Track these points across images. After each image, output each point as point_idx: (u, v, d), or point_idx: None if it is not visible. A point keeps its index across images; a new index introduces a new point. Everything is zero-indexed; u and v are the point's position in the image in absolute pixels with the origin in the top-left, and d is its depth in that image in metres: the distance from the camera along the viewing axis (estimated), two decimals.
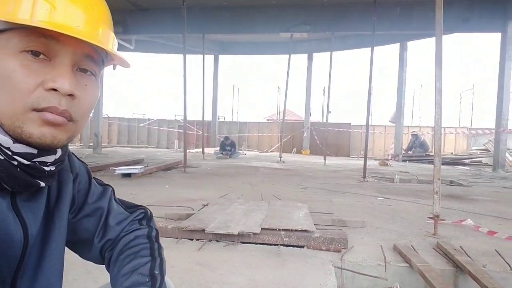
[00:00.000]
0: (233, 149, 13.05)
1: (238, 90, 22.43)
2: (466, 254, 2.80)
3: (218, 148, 13.74)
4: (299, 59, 17.57)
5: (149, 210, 0.95)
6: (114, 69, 0.79)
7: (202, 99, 13.43)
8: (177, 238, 3.10)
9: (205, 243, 3.01)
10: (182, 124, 19.18)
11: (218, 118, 19.36)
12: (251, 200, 4.66)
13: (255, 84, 62.64)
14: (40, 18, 0.59)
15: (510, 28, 10.87)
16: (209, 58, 17.27)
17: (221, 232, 3.05)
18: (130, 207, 0.93)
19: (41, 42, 0.61)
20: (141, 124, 19.48)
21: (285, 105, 12.92)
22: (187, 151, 8.99)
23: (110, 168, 7.77)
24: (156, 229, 0.91)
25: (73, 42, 0.62)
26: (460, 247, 2.97)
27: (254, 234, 3.06)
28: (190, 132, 17.87)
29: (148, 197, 4.81)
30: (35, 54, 0.61)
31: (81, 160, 0.87)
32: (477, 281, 2.30)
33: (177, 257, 2.69)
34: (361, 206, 4.84)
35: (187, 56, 8.67)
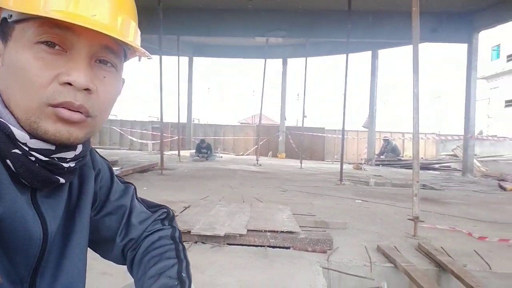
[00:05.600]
0: (209, 152, 12.97)
1: (213, 93, 22.33)
2: (447, 254, 2.90)
3: (193, 151, 13.62)
4: (274, 64, 17.73)
5: (172, 210, 0.93)
6: (139, 61, 0.76)
7: (178, 101, 13.30)
8: None
9: (191, 245, 2.97)
10: (156, 126, 18.96)
11: (193, 121, 19.19)
12: (232, 202, 4.64)
13: (229, 87, 62.53)
14: (54, 8, 0.55)
15: (475, 40, 11.39)
16: (184, 60, 17.12)
17: (207, 233, 3.02)
18: (152, 207, 0.90)
19: (55, 32, 0.57)
20: (114, 127, 19.03)
21: (261, 108, 12.97)
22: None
23: None
24: (178, 230, 0.89)
25: (90, 33, 0.57)
26: (441, 247, 3.07)
27: (241, 235, 3.06)
28: (164, 134, 17.61)
29: None
30: (51, 45, 0.58)
31: (102, 157, 0.85)
32: (460, 280, 2.38)
33: None
34: (341, 208, 4.91)
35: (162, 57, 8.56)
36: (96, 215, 0.80)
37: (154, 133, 18.62)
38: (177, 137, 14.29)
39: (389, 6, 10.95)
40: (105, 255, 0.87)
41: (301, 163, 11.73)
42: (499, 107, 27.27)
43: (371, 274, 2.69)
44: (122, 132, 18.91)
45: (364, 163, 14.40)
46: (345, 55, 8.53)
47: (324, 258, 2.85)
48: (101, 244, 0.84)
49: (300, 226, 3.40)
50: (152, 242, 0.82)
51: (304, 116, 13.72)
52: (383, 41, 13.33)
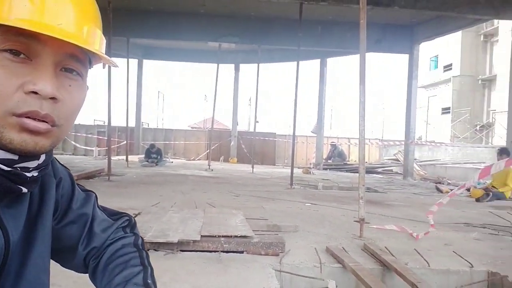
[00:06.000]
0: (159, 157, 12.72)
1: (163, 97, 21.94)
2: (391, 253, 3.09)
3: (143, 156, 13.29)
4: (226, 69, 17.81)
5: (133, 218, 0.93)
6: (103, 68, 0.77)
7: (126, 105, 12.92)
8: None
9: None
10: (102, 130, 18.25)
11: (142, 125, 18.73)
12: (185, 208, 4.60)
13: (181, 91, 61.70)
14: (18, 16, 0.55)
15: (416, 51, 12.19)
16: (133, 62, 16.70)
17: (160, 240, 2.98)
18: (114, 214, 0.90)
19: (20, 41, 0.56)
20: None
21: (213, 113, 12.96)
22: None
23: None
24: (141, 237, 0.89)
25: (55, 41, 0.57)
26: (385, 247, 3.26)
27: (194, 241, 3.05)
28: (112, 138, 17.03)
29: None
30: (15, 53, 0.57)
31: (63, 165, 0.84)
32: (403, 278, 2.55)
33: None
34: (292, 212, 5.04)
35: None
36: (57, 224, 0.79)
37: (100, 137, 17.92)
38: (125, 142, 13.86)
39: (337, 16, 11.41)
40: (65, 263, 0.85)
41: (252, 167, 11.84)
42: (436, 114, 29.27)
43: (321, 275, 2.80)
44: (65, 136, 17.99)
45: (313, 167, 14.83)
46: (296, 62, 8.78)
47: (277, 261, 2.92)
48: (62, 253, 0.83)
49: (253, 230, 3.45)
50: (116, 250, 0.82)
51: (256, 121, 13.88)
52: (331, 50, 13.87)
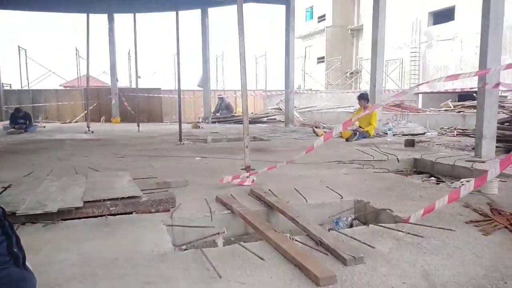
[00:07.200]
0: (28, 122, 11.37)
1: (25, 53, 19.14)
2: (274, 195, 3.35)
3: (8, 122, 11.73)
4: (100, 20, 16.18)
5: None
6: None
7: None
8: None
9: (18, 227, 2.67)
10: None
11: (3, 86, 16.29)
12: (64, 175, 4.26)
13: (48, 46, 54.44)
14: None
15: (292, 2, 12.63)
16: None
17: (37, 212, 2.75)
18: None
19: None
20: None
21: (88, 69, 11.86)
22: None
23: None
24: (1, 207, 0.82)
25: None
26: (269, 190, 3.52)
27: (77, 208, 2.88)
28: None
29: None
30: None
31: None
32: (284, 214, 2.81)
33: None
34: (182, 167, 5.06)
35: None
36: None
37: None
38: None
39: None
40: None
41: (138, 126, 11.38)
42: (313, 64, 31.33)
43: (212, 223, 2.91)
44: None
45: (202, 122, 14.88)
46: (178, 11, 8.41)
47: (168, 216, 2.94)
48: None
49: (142, 190, 3.39)
50: None
51: (137, 77, 13.16)
52: None
